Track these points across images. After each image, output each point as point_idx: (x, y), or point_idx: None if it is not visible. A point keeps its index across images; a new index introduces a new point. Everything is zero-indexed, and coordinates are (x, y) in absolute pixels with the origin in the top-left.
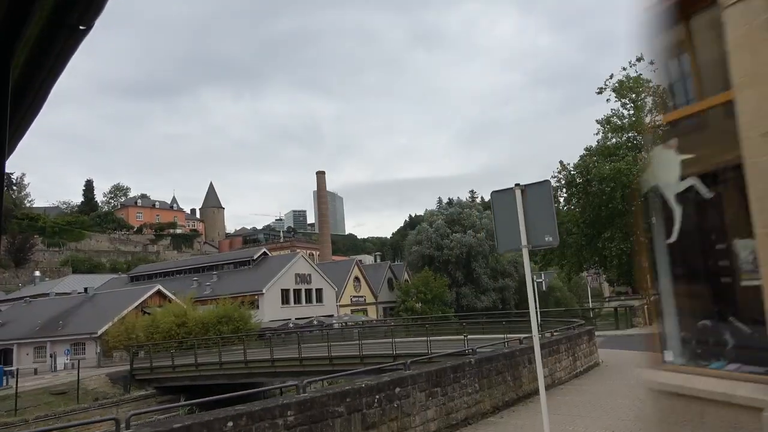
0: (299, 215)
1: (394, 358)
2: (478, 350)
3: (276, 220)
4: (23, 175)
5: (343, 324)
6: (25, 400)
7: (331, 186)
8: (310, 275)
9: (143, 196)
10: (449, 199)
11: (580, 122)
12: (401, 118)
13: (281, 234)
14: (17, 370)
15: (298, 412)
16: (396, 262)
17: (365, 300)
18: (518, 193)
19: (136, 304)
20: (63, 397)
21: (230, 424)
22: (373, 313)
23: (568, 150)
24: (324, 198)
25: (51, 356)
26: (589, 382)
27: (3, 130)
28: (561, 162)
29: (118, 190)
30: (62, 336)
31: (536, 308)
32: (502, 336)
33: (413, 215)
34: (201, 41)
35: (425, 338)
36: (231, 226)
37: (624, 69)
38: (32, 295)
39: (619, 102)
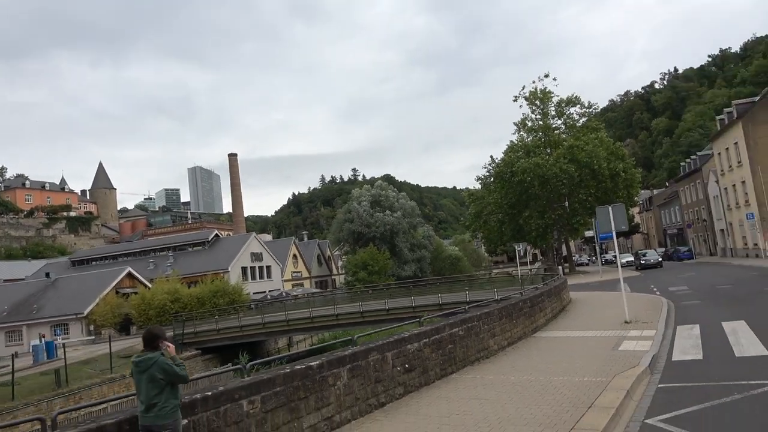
0: (172, 194)
1: (414, 309)
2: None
3: (145, 198)
4: None
5: (310, 294)
6: (94, 365)
7: (205, 163)
8: (261, 254)
9: (19, 175)
10: (332, 176)
11: (453, 102)
12: (280, 93)
13: (188, 215)
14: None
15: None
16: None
17: (302, 275)
18: (610, 208)
19: (112, 285)
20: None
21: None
22: (308, 287)
23: (444, 129)
24: (236, 180)
25: (41, 338)
26: (581, 305)
27: None
28: (491, 156)
29: None
30: (41, 318)
31: (621, 271)
32: (493, 289)
33: (296, 193)
34: None
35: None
36: None
37: (533, 82)
38: None
39: (529, 108)
